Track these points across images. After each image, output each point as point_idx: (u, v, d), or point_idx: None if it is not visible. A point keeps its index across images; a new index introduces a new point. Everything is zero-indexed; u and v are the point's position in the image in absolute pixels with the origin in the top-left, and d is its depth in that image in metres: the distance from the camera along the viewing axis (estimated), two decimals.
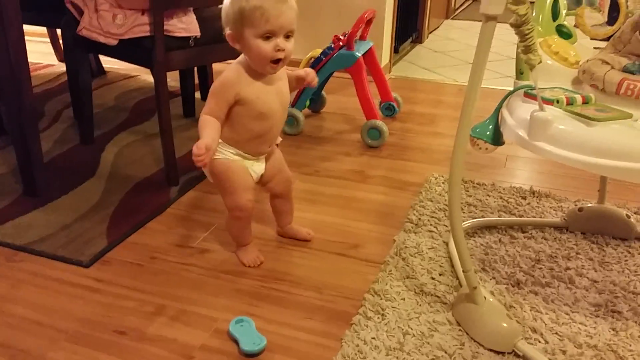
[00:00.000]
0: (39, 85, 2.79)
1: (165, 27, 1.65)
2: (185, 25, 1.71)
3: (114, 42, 1.71)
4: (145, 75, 2.96)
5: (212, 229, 1.57)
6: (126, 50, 1.73)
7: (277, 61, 1.21)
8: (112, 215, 1.62)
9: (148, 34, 1.67)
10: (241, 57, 1.26)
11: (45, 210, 1.63)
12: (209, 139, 1.21)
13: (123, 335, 1.18)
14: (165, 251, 1.47)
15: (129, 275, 1.37)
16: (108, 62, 2.96)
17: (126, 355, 1.13)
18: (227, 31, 1.23)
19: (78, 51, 1.93)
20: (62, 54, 3.14)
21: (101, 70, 2.99)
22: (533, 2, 1.34)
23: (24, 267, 1.40)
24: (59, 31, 2.95)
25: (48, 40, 3.29)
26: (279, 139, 1.42)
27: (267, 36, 1.18)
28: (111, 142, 2.12)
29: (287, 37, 1.20)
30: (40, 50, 3.36)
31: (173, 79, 2.51)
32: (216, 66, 2.62)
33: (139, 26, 1.68)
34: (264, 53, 1.19)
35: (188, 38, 1.73)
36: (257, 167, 1.37)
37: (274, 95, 1.29)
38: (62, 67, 3.04)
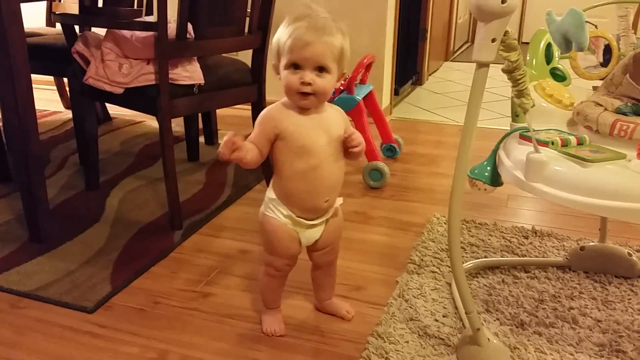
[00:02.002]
0: (46, 132, 2.84)
1: (170, 76, 1.70)
2: (189, 73, 1.76)
3: (120, 91, 1.76)
4: (150, 121, 3.01)
5: (215, 273, 1.58)
6: (132, 98, 1.78)
7: (305, 94, 1.13)
8: (116, 260, 1.63)
9: (153, 82, 1.72)
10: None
11: (50, 256, 1.65)
12: (239, 139, 1.13)
13: None
14: (168, 296, 1.47)
15: (132, 320, 1.37)
16: (114, 109, 3.01)
17: None
18: (272, 62, 1.19)
19: (84, 99, 1.97)
20: (69, 102, 3.20)
21: (107, 117, 3.05)
22: (527, 43, 1.38)
23: (28, 313, 1.40)
24: (65, 79, 3.02)
25: (55, 88, 3.37)
26: (340, 200, 1.27)
27: (294, 67, 1.11)
28: (116, 187, 2.15)
29: (320, 70, 1.11)
30: (47, 97, 3.44)
31: (177, 124, 2.56)
32: (220, 111, 2.68)
33: (144, 75, 1.73)
34: (289, 84, 1.12)
35: (192, 86, 1.77)
36: (310, 234, 1.25)
37: (317, 130, 1.17)
38: (68, 114, 3.10)
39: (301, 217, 1.21)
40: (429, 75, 4.34)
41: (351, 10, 2.93)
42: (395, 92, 3.43)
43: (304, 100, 1.14)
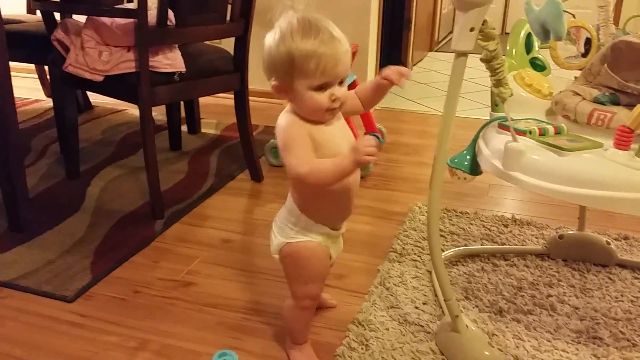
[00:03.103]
0: (27, 120, 2.80)
1: (150, 63, 1.68)
2: (170, 61, 1.74)
3: (100, 79, 1.74)
4: (132, 110, 2.98)
5: (196, 262, 1.58)
6: (112, 86, 1.76)
7: (333, 109, 1.04)
8: (97, 249, 1.62)
9: (133, 70, 1.70)
10: (289, 106, 1.08)
11: (30, 245, 1.63)
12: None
13: None
14: (149, 285, 1.47)
15: (112, 310, 1.37)
16: (95, 97, 2.98)
17: None
18: (273, 82, 1.04)
19: (65, 87, 1.95)
20: (50, 90, 3.16)
21: (88, 105, 3.02)
22: (508, 33, 1.39)
23: (8, 303, 1.39)
24: (47, 67, 2.98)
25: (36, 76, 3.32)
26: None
27: (321, 87, 1.01)
28: (97, 176, 2.13)
29: (341, 82, 1.03)
30: (28, 85, 3.39)
31: (160, 113, 2.55)
32: (203, 100, 2.66)
33: (124, 62, 1.71)
34: (318, 105, 1.01)
35: (173, 73, 1.76)
36: (338, 247, 1.19)
37: (340, 137, 1.09)
38: (49, 103, 3.06)
39: (333, 229, 1.15)
40: (414, 65, 4.34)
41: None
42: None
43: (330, 115, 1.05)
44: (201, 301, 1.41)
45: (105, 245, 1.65)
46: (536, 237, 1.71)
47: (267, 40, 1.03)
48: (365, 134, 2.50)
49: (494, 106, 1.28)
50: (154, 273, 1.52)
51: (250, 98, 2.10)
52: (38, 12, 2.69)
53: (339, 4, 2.91)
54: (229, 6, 1.90)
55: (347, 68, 1.03)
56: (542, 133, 1.10)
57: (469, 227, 1.77)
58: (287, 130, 1.04)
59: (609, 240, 1.58)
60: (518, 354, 1.20)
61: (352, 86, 2.34)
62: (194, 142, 2.53)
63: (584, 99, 1.18)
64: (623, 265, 1.55)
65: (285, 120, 1.06)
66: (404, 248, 1.64)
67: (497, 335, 1.26)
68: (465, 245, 1.66)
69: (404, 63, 4.06)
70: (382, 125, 2.57)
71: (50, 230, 1.72)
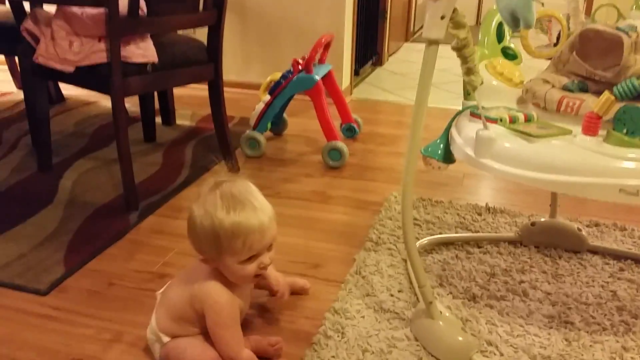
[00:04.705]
0: None
1: (122, 54, 1.66)
2: (142, 51, 1.72)
3: (71, 69, 1.71)
4: (104, 101, 2.94)
5: (172, 254, 1.57)
6: (83, 76, 1.74)
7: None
8: (70, 242, 1.60)
9: (105, 60, 1.68)
10: (213, 270, 1.11)
11: (1, 239, 1.61)
12: None
13: None
14: (123, 277, 1.46)
15: (86, 302, 1.36)
16: (68, 89, 2.93)
17: None
18: (200, 257, 1.10)
19: (35, 79, 1.92)
20: (21, 81, 3.11)
21: (61, 97, 2.97)
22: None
23: None
24: (17, 58, 2.92)
25: (7, 67, 3.26)
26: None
27: (250, 259, 1.07)
28: (70, 168, 2.11)
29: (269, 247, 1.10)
30: None
31: (133, 104, 2.52)
32: (177, 91, 2.64)
33: (95, 53, 1.69)
34: (247, 274, 1.08)
35: (146, 64, 1.74)
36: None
37: (246, 294, 1.18)
38: (21, 95, 3.00)
39: None
40: (389, 56, 4.35)
41: None
42: (356, 72, 3.43)
43: (257, 279, 1.17)
44: None
45: (79, 237, 1.63)
46: (509, 225, 1.73)
47: (192, 213, 1.07)
48: (341, 124, 2.50)
49: (466, 95, 1.29)
50: (128, 265, 1.51)
51: (226, 89, 2.09)
52: (7, 1, 2.64)
53: None
54: None
55: (273, 235, 1.08)
56: (513, 121, 1.12)
57: (444, 216, 1.78)
58: (225, 307, 1.09)
59: (580, 227, 1.60)
60: (491, 339, 1.22)
61: (327, 76, 2.34)
62: (169, 134, 2.51)
63: (553, 86, 1.20)
64: (594, 251, 1.58)
65: (218, 292, 1.09)
66: (379, 237, 1.65)
67: (470, 320, 1.28)
68: (440, 233, 1.68)
69: (379, 53, 4.07)
70: (358, 115, 2.58)
71: (23, 224, 1.69)
